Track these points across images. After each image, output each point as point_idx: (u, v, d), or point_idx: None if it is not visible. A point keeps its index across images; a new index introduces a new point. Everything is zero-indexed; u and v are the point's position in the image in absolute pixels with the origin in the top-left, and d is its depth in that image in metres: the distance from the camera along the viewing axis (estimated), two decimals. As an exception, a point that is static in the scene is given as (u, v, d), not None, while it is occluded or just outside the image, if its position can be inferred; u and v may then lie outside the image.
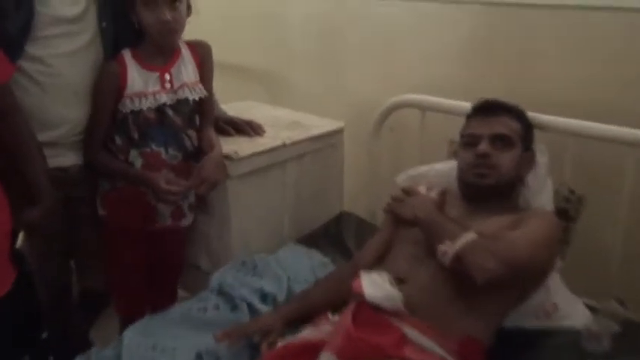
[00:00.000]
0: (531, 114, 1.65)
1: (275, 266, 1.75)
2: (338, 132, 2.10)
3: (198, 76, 1.76)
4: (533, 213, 1.49)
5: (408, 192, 1.62)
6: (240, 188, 1.82)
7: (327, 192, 2.13)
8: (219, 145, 1.75)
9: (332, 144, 2.10)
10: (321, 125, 2.09)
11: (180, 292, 2.05)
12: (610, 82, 1.78)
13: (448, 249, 1.35)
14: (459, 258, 1.33)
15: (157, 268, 1.88)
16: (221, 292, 1.65)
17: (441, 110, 1.89)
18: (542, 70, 1.92)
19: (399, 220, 1.57)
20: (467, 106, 1.74)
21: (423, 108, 1.94)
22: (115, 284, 1.86)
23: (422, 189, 1.67)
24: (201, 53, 1.79)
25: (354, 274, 1.54)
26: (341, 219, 2.07)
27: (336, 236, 1.99)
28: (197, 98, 1.74)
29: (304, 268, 1.78)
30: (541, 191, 1.60)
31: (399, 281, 1.38)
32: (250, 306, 1.59)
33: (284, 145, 1.90)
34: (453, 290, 1.37)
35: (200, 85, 1.76)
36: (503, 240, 1.36)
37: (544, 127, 1.66)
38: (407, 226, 1.53)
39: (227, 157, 1.76)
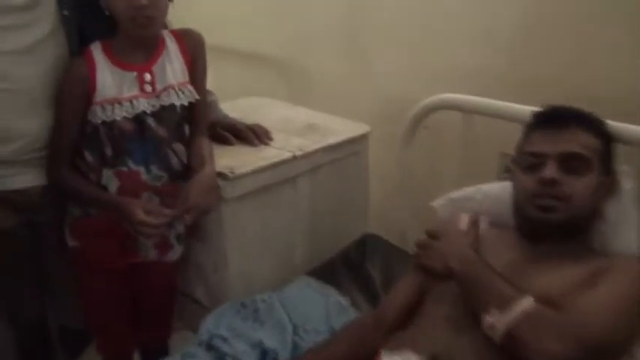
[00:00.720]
0: (613, 124, 1.26)
1: (279, 310, 1.42)
2: (362, 138, 1.74)
3: (187, 74, 1.43)
4: (613, 263, 1.10)
5: (434, 234, 1.26)
6: (239, 212, 1.48)
7: (348, 210, 1.78)
8: (212, 162, 1.42)
9: (355, 152, 1.74)
10: (341, 129, 1.73)
11: (179, 324, 1.76)
12: None
13: (496, 322, 1.00)
14: (511, 334, 0.98)
15: (143, 303, 1.57)
16: (211, 346, 1.33)
17: (491, 114, 1.50)
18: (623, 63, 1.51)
19: (428, 272, 1.22)
20: (524, 110, 1.37)
21: (468, 110, 1.56)
22: (93, 323, 1.57)
23: (464, 218, 1.31)
24: (192, 45, 1.45)
25: (378, 333, 1.22)
26: (364, 243, 1.71)
27: (357, 265, 1.64)
28: (186, 103, 1.41)
29: (316, 312, 1.44)
30: (624, 227, 1.21)
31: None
32: (245, 369, 1.26)
33: (294, 158, 1.55)
34: (506, 373, 1.01)
35: (190, 87, 1.42)
36: (573, 310, 0.99)
37: (631, 141, 1.27)
38: (440, 280, 1.18)
39: (221, 175, 1.43)
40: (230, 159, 1.50)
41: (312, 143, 1.62)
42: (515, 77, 1.67)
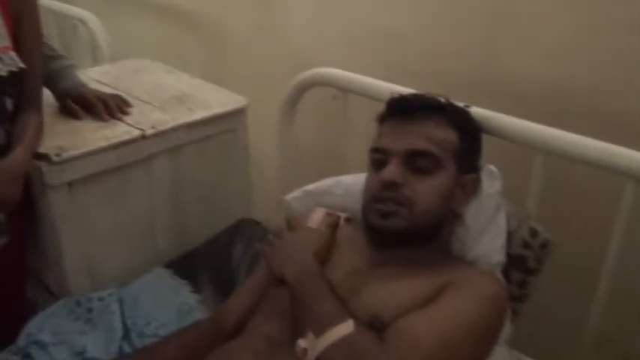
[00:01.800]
0: (486, 113, 1.09)
1: (115, 311, 1.26)
2: (237, 113, 1.55)
3: (8, 38, 1.21)
4: (463, 278, 0.94)
5: (285, 231, 1.10)
6: (74, 199, 1.30)
7: (226, 195, 1.60)
8: (29, 144, 1.21)
9: (230, 129, 1.55)
10: (216, 102, 1.54)
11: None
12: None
13: (309, 348, 0.85)
14: None
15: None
16: (27, 355, 1.17)
17: (367, 95, 1.31)
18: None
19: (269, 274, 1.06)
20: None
21: (344, 89, 1.37)
22: None
23: (317, 214, 1.15)
24: (15, 3, 1.23)
25: (215, 342, 1.06)
26: (236, 231, 1.55)
27: (222, 256, 1.48)
28: (5, 73, 1.20)
29: (161, 313, 1.28)
30: (485, 234, 1.06)
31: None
32: (56, 384, 1.11)
33: (143, 137, 1.36)
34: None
35: (12, 53, 1.21)
36: (396, 336, 0.85)
37: (500, 134, 1.10)
38: (277, 286, 1.02)
39: (45, 158, 1.24)
40: (66, 138, 1.31)
41: (171, 119, 1.43)
42: (436, 52, 1.46)
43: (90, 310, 1.28)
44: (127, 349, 1.19)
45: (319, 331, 0.86)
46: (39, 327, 1.23)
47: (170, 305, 1.30)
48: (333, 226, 1.11)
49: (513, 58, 1.33)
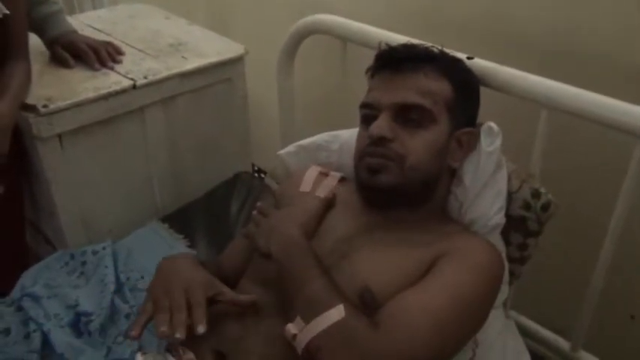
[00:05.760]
0: (487, 65, 1.02)
1: (109, 264, 1.25)
2: (234, 61, 1.48)
3: (-11, -17, 1.16)
4: (456, 248, 0.88)
5: (278, 201, 1.05)
6: (64, 151, 1.27)
7: (225, 145, 1.56)
8: (14, 95, 1.18)
9: (226, 78, 1.49)
10: (212, 51, 1.48)
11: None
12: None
13: (299, 334, 0.80)
14: (310, 352, 0.78)
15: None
16: (21, 306, 1.17)
17: (366, 44, 1.23)
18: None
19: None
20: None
21: (342, 37, 1.29)
22: None
23: (312, 173, 1.10)
24: None
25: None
26: (234, 184, 1.51)
27: (222, 210, 1.45)
28: (-11, 20, 1.16)
29: (155, 267, 1.26)
30: (484, 194, 1.00)
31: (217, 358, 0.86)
32: (47, 336, 1.11)
33: (134, 88, 1.31)
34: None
35: (-5, -2, 1.16)
36: (390, 319, 0.79)
37: (503, 88, 1.03)
38: (263, 257, 0.98)
39: (31, 109, 1.20)
40: (55, 88, 1.27)
41: (164, 69, 1.37)
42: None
43: (84, 263, 1.27)
44: (119, 303, 1.18)
45: (309, 317, 0.80)
46: (33, 280, 1.23)
47: (165, 259, 1.29)
48: (327, 201, 1.02)
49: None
